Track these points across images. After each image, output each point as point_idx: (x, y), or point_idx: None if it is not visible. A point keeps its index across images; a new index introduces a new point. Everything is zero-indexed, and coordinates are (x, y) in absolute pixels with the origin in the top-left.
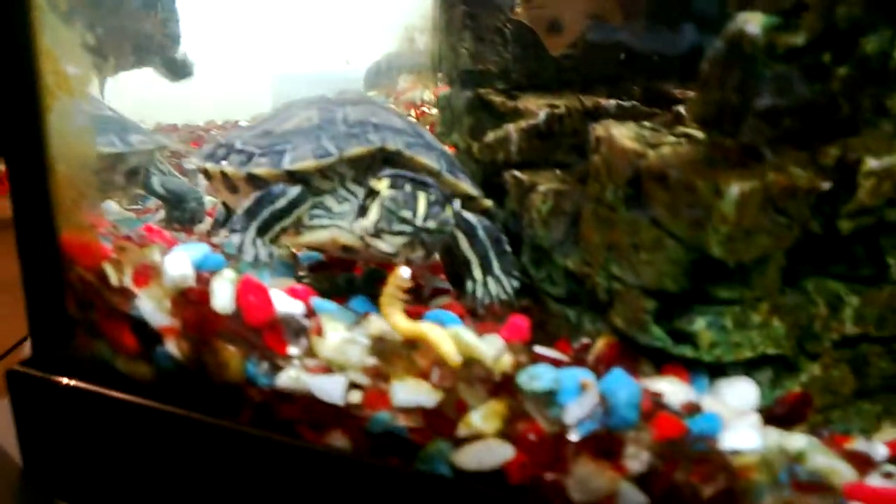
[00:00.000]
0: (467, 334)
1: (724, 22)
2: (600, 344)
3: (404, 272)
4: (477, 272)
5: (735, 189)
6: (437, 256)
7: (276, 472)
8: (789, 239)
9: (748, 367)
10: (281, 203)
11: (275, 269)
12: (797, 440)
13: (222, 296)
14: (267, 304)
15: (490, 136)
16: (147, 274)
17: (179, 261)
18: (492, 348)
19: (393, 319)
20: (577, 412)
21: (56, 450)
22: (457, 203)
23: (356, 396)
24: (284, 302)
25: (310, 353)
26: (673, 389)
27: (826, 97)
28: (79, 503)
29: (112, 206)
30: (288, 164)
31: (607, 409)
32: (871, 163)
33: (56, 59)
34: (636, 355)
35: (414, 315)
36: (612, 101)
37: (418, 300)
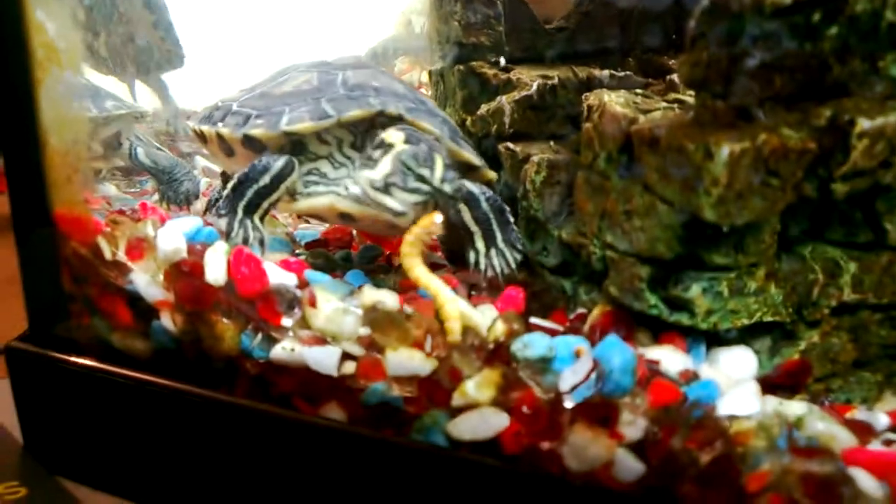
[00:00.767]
0: (462, 303)
1: None
2: (595, 313)
3: (437, 219)
4: (480, 244)
5: (726, 150)
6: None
7: (272, 445)
8: (783, 202)
9: (746, 336)
10: (265, 180)
11: (269, 246)
12: (796, 407)
13: (215, 268)
14: (260, 276)
15: (483, 109)
16: (140, 248)
17: (172, 234)
18: (486, 318)
19: (410, 264)
20: (572, 379)
21: (55, 426)
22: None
23: (350, 367)
24: (277, 274)
25: (303, 324)
26: (670, 358)
27: (817, 57)
28: (79, 478)
29: (110, 190)
30: (285, 125)
31: (602, 376)
32: (864, 123)
33: (46, 33)
34: (632, 324)
35: (408, 287)
36: (606, 72)
37: None
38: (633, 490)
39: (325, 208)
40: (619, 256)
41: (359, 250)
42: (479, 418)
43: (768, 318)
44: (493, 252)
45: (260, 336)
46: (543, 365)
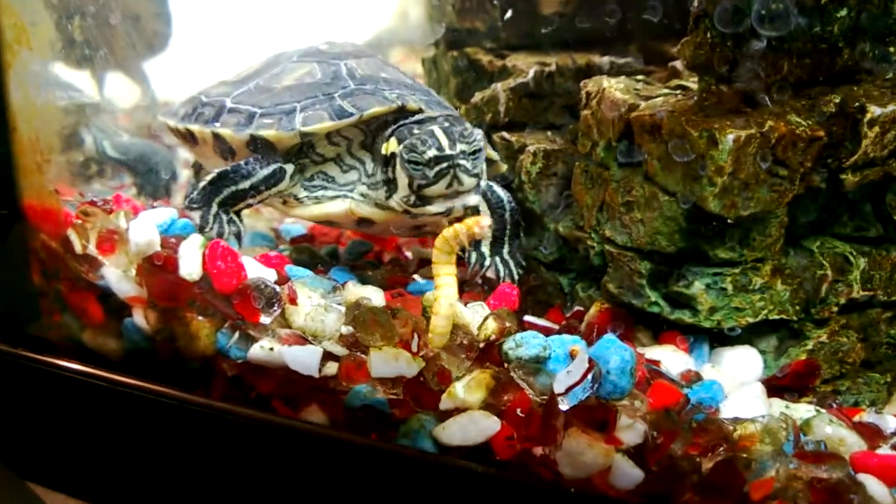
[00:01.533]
0: (459, 307)
1: None
2: (593, 311)
3: (485, 221)
4: (485, 249)
5: (731, 137)
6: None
7: (249, 450)
8: (790, 193)
9: (750, 335)
10: (244, 184)
11: (250, 241)
12: (803, 410)
13: (190, 262)
14: (237, 271)
15: (477, 97)
16: (112, 240)
17: (145, 226)
18: (477, 316)
19: (438, 259)
20: (567, 380)
21: (24, 429)
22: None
23: (332, 368)
24: (256, 269)
25: (283, 322)
26: (670, 358)
27: (825, 41)
28: (50, 483)
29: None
30: (301, 125)
31: (599, 377)
32: (875, 110)
33: (17, 14)
34: (631, 323)
35: (396, 284)
36: (606, 59)
37: (404, 271)
38: (632, 498)
39: (342, 214)
40: (618, 251)
41: (346, 246)
42: (469, 422)
43: (774, 317)
44: (497, 260)
45: (237, 334)
46: (537, 365)
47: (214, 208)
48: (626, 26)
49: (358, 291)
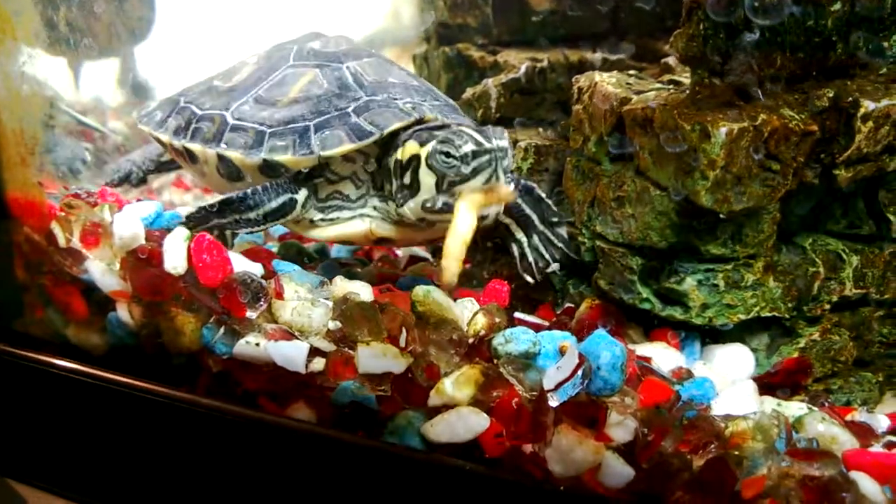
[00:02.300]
0: (439, 294)
1: None
2: (584, 307)
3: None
4: (518, 234)
5: (723, 130)
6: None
7: (234, 447)
8: (783, 188)
9: (742, 332)
10: (250, 215)
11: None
12: (795, 408)
13: (175, 255)
14: (223, 264)
15: (469, 93)
16: (96, 234)
17: (129, 219)
18: (467, 311)
19: (462, 206)
20: (557, 376)
21: (5, 425)
22: None
23: (319, 364)
24: (242, 263)
25: (269, 317)
26: (662, 355)
27: (819, 34)
28: (31, 481)
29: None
30: (321, 149)
31: (589, 373)
32: (869, 105)
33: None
34: (622, 319)
35: (385, 280)
36: (598, 55)
37: (393, 268)
38: (622, 496)
39: (361, 235)
40: (609, 246)
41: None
42: (458, 419)
43: (766, 314)
44: (535, 238)
45: (222, 329)
46: (526, 361)
47: (215, 231)
48: (619, 23)
49: (346, 286)
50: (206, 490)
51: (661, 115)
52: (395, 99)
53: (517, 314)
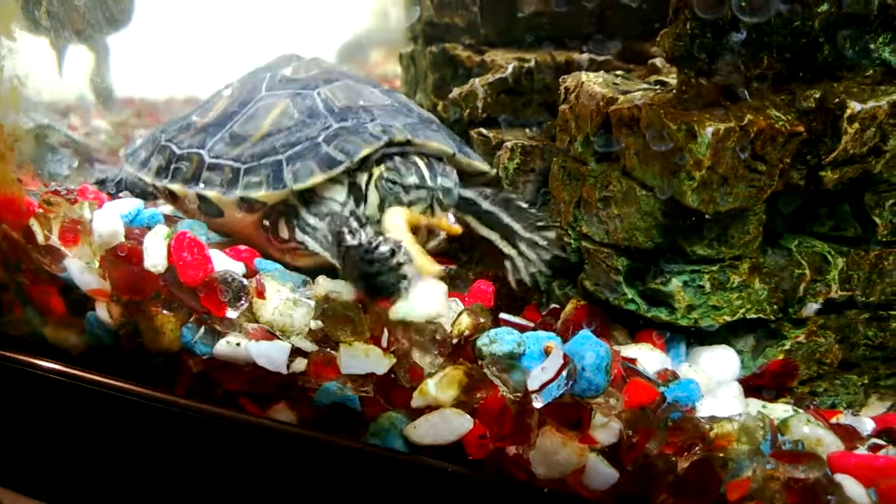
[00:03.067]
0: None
1: None
2: (569, 308)
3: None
4: (504, 247)
5: (710, 130)
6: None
7: (215, 448)
8: (769, 189)
9: (728, 334)
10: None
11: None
12: (780, 410)
13: (155, 253)
14: (204, 263)
15: (455, 92)
16: (75, 231)
17: (109, 216)
18: (451, 312)
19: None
20: (541, 377)
21: None
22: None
23: (301, 364)
24: (223, 261)
25: (251, 316)
26: (647, 356)
27: (806, 35)
28: (4, 482)
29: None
30: (293, 182)
31: (573, 374)
32: (855, 106)
33: None
34: (608, 321)
35: None
36: (585, 56)
37: None
38: (606, 498)
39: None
40: (594, 247)
41: None
42: (441, 420)
43: (752, 315)
44: (522, 246)
45: (203, 329)
46: (511, 362)
47: None
48: (607, 24)
49: (328, 286)
50: (186, 492)
51: (647, 114)
52: (365, 123)
53: (502, 315)
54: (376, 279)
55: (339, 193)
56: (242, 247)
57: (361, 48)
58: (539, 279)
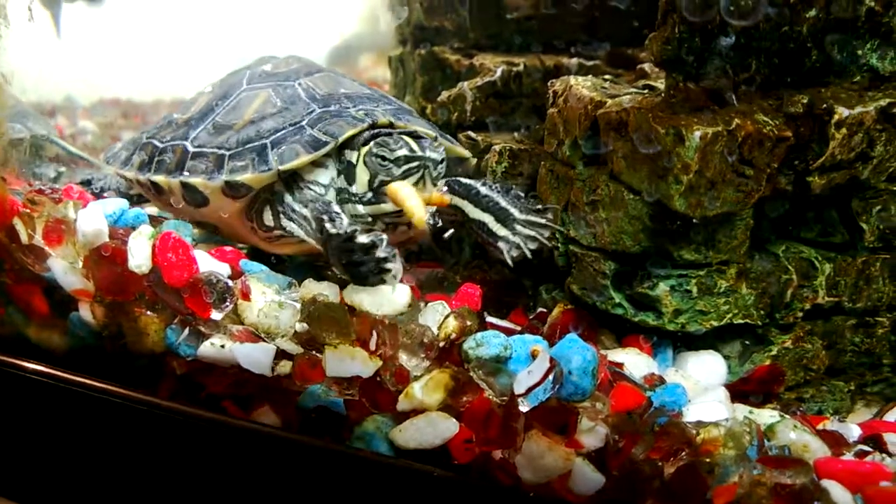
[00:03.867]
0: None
1: None
2: (556, 312)
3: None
4: (499, 229)
5: (697, 134)
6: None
7: (198, 451)
8: (757, 194)
9: (715, 339)
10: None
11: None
12: (767, 415)
13: (139, 254)
14: (188, 264)
15: (444, 95)
16: (59, 231)
17: (93, 216)
18: (438, 315)
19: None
20: (528, 381)
21: None
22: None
23: (286, 367)
24: (208, 262)
25: (235, 318)
26: (634, 361)
27: (794, 41)
28: None
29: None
30: (278, 163)
31: (560, 377)
32: (843, 112)
33: None
34: (595, 325)
35: None
36: (574, 60)
37: None
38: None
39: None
40: (582, 251)
41: None
42: (427, 424)
43: (739, 321)
44: (518, 227)
45: (187, 331)
46: (497, 365)
47: None
48: (596, 29)
49: (314, 288)
50: (170, 495)
51: (635, 118)
52: (348, 108)
53: (489, 318)
54: (359, 267)
55: (324, 177)
56: (228, 248)
57: (350, 52)
58: (525, 283)
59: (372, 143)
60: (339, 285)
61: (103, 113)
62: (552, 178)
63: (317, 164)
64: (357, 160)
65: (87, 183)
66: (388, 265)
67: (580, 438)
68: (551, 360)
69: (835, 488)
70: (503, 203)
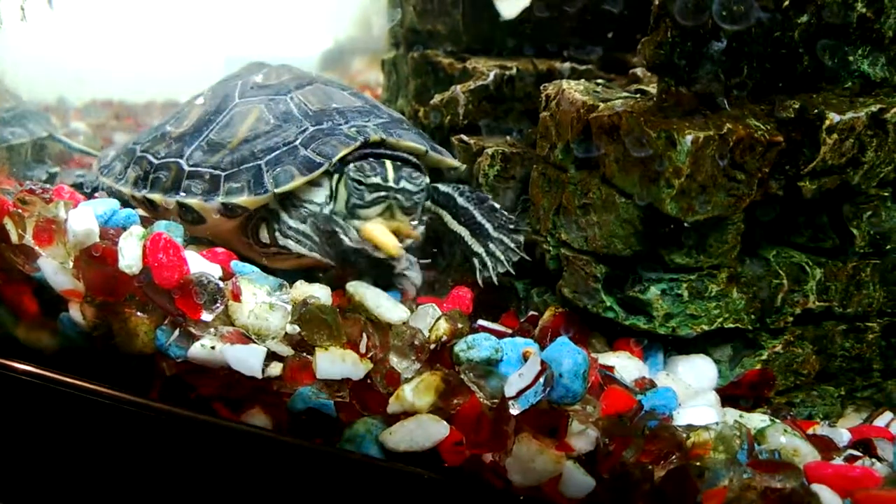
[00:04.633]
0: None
1: None
2: (547, 315)
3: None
4: (473, 244)
5: (689, 138)
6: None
7: (188, 453)
8: (748, 199)
9: (705, 343)
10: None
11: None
12: (757, 419)
13: (130, 254)
14: (179, 264)
15: (437, 99)
16: (50, 230)
17: (84, 216)
18: (429, 318)
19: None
20: (519, 383)
21: None
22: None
23: (277, 369)
24: (199, 263)
25: (226, 319)
26: (625, 365)
27: (786, 46)
28: None
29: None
30: (273, 186)
31: (551, 380)
32: (834, 117)
33: None
34: (586, 328)
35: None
36: (567, 65)
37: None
38: None
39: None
40: (573, 254)
41: None
42: (417, 427)
43: (730, 325)
44: (491, 245)
45: (177, 332)
46: (488, 367)
47: None
48: (589, 34)
49: (305, 289)
50: (159, 497)
51: (627, 122)
52: (340, 125)
53: (480, 321)
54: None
55: (319, 195)
56: (219, 249)
57: (344, 56)
58: (517, 286)
59: (352, 165)
60: (330, 286)
61: (95, 114)
62: (544, 181)
63: (312, 182)
64: (339, 179)
65: (78, 186)
66: (408, 273)
67: (571, 441)
68: (542, 362)
69: (824, 492)
70: (478, 217)
